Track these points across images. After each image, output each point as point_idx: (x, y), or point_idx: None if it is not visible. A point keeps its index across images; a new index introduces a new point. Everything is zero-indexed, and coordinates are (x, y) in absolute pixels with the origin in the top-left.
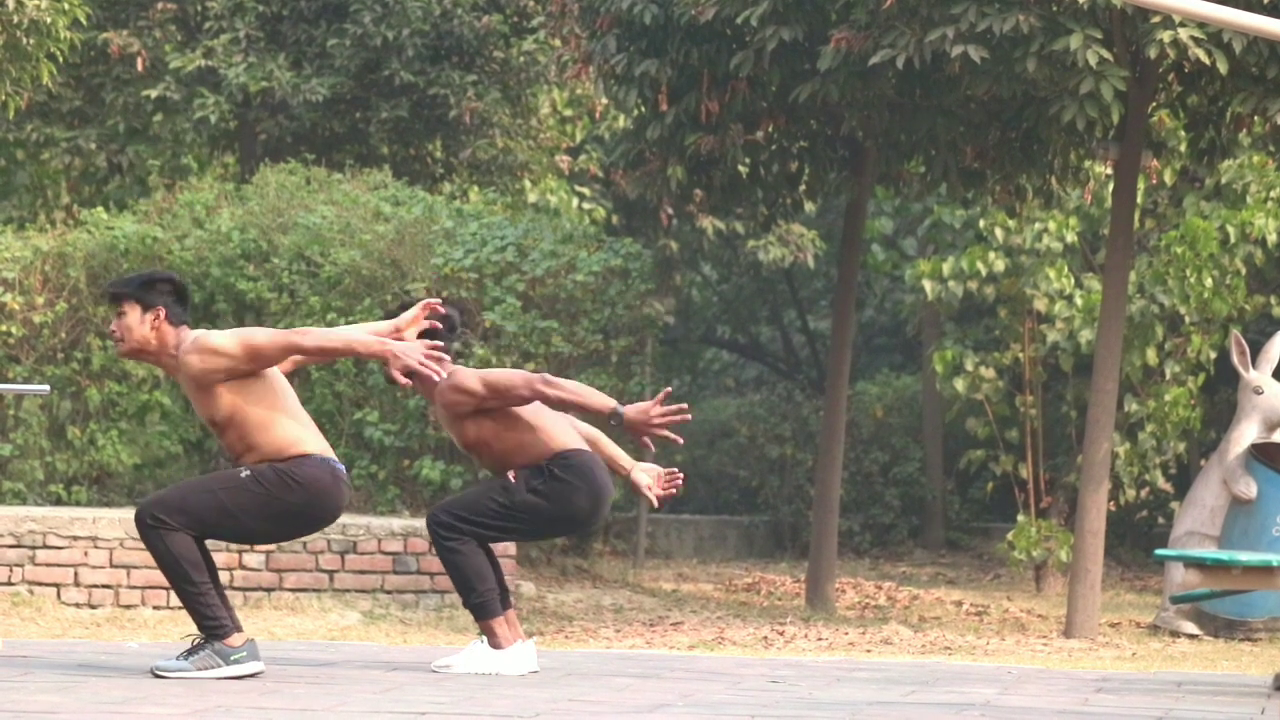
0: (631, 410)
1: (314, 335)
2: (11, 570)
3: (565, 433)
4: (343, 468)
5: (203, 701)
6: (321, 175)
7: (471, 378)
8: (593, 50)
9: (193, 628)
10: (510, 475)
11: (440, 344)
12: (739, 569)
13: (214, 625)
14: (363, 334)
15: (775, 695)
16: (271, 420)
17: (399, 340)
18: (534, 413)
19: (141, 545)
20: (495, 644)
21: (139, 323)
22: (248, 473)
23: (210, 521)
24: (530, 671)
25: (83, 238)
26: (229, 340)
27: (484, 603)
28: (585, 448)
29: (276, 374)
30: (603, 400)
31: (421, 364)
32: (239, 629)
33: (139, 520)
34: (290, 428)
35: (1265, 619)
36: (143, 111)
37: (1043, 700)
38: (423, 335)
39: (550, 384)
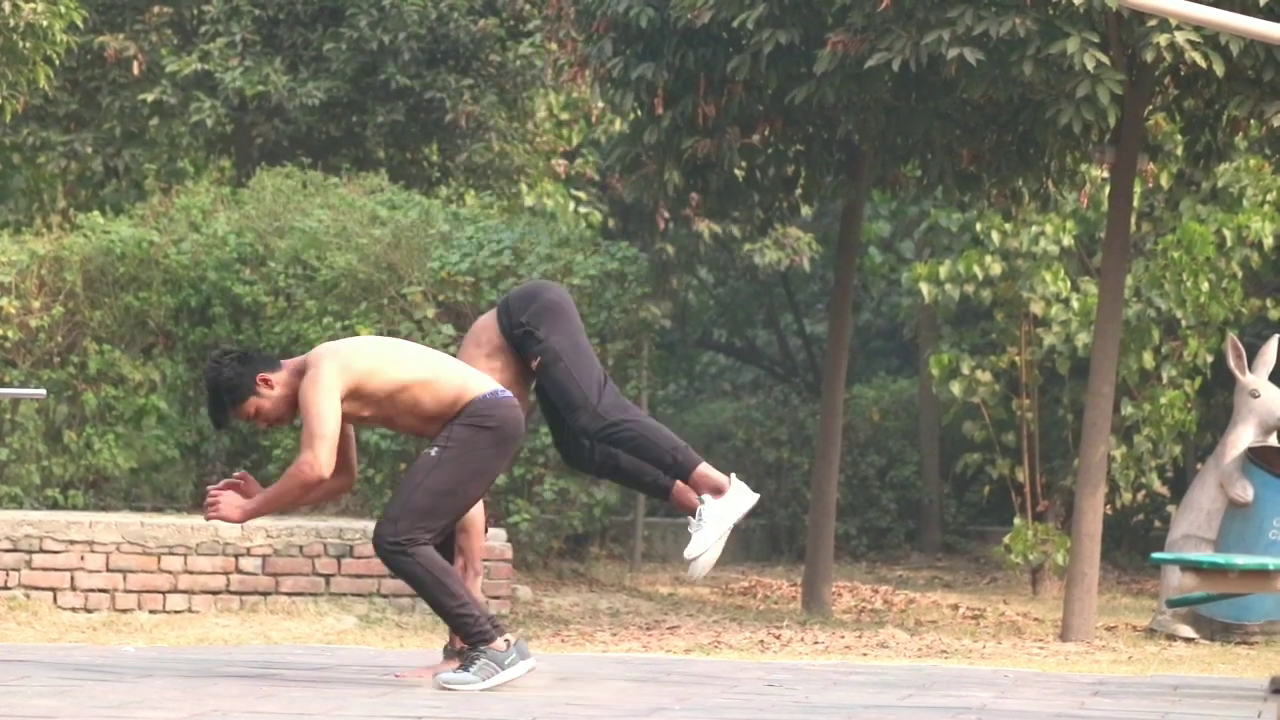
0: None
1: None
2: (8, 574)
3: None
4: (505, 390)
5: (199, 705)
6: (318, 179)
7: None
8: (589, 54)
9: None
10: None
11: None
12: (735, 573)
13: (481, 634)
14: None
15: (772, 699)
16: (424, 389)
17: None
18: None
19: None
20: None
21: (265, 404)
22: (436, 449)
23: (438, 511)
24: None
25: (79, 242)
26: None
27: None
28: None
29: (396, 343)
30: None
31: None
32: (501, 632)
33: (381, 553)
34: (446, 383)
35: (1261, 622)
36: (139, 115)
37: (1039, 704)
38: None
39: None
